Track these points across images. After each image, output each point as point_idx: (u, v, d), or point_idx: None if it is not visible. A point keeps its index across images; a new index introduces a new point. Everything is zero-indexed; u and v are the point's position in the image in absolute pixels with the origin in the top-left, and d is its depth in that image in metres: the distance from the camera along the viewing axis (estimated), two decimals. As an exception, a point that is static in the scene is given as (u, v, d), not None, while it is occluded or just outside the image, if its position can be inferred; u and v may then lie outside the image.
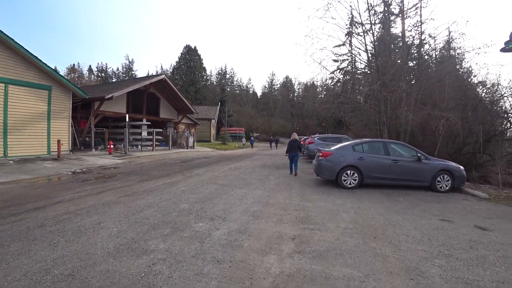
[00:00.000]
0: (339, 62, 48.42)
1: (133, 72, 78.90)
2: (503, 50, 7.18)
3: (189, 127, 31.44)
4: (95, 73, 77.27)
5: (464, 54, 15.43)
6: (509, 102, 15.24)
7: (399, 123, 16.04)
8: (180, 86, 63.32)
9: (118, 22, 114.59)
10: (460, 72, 17.97)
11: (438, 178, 7.87)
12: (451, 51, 19.48)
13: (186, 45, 68.85)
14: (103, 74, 75.04)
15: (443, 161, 8.40)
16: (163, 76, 23.22)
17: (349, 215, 5.22)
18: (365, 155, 7.85)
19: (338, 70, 48.08)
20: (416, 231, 4.51)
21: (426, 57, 19.20)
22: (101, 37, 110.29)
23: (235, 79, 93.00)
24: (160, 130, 24.21)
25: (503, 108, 15.56)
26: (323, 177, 8.36)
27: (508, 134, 15.92)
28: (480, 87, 17.67)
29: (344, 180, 7.76)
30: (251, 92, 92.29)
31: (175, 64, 68.88)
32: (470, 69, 16.49)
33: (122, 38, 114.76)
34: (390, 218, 5.16)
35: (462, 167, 8.28)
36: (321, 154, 8.21)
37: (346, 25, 18.84)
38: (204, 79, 72.00)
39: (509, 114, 15.57)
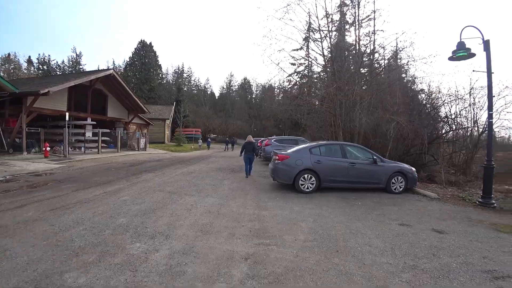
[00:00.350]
0: (296, 66, 49.58)
1: (80, 67, 71.94)
2: (450, 58, 7.39)
3: (141, 127, 29.42)
4: (35, 65, 68.57)
5: (409, 63, 16.21)
6: (449, 108, 16.45)
7: (353, 125, 16.48)
8: (134, 84, 59.58)
9: (64, 11, 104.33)
10: (405, 80, 19.01)
11: (393, 180, 7.90)
12: (398, 60, 20.65)
13: (141, 40, 64.89)
14: (45, 67, 66.76)
15: (396, 163, 8.51)
16: (111, 71, 21.28)
17: (307, 225, 4.78)
18: (323, 158, 7.58)
19: (295, 73, 49.23)
20: (378, 239, 4.20)
21: (376, 65, 20.04)
22: (44, 25, 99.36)
23: (192, 78, 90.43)
24: (108, 130, 22.14)
25: (444, 113, 16.75)
26: (279, 181, 7.95)
27: (447, 136, 17.15)
28: (422, 94, 18.93)
29: (302, 185, 7.39)
30: (209, 92, 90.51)
31: (128, 60, 64.39)
32: (414, 77, 17.46)
33: (69, 29, 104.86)
34: (351, 226, 4.84)
35: (414, 169, 8.45)
36: (277, 157, 7.77)
37: (305, 29, 18.97)
38: (159, 77, 68.37)
39: (448, 119, 16.82)
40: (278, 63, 17.74)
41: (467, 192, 9.04)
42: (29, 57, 70.77)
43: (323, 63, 19.63)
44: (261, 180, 9.68)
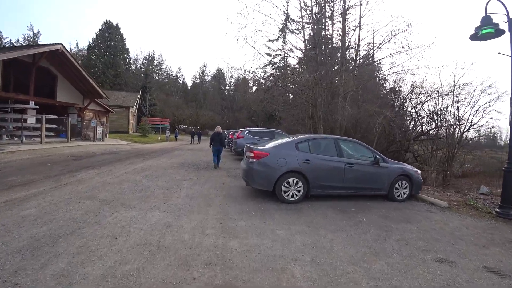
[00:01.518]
0: (272, 56, 47.76)
1: None
2: (473, 38, 5.82)
3: (99, 115, 26.02)
4: (-17, 42, 60.80)
5: (398, 54, 14.76)
6: (434, 103, 15.42)
7: (335, 118, 14.94)
8: (98, 69, 54.60)
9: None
10: (388, 74, 17.67)
11: (396, 185, 6.26)
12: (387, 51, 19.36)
13: (106, 20, 58.90)
14: (-5, 44, 59.30)
15: (400, 163, 6.90)
16: (59, 46, 17.78)
17: (304, 271, 2.88)
18: (313, 156, 5.68)
19: (271, 65, 47.34)
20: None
21: (361, 54, 18.59)
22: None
23: (163, 66, 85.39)
24: (55, 116, 18.86)
25: (428, 109, 15.69)
26: (255, 187, 5.93)
27: (431, 133, 16.19)
28: (405, 88, 17.87)
29: (285, 192, 5.49)
30: (181, 82, 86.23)
31: (91, 42, 58.36)
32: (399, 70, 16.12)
33: (27, 4, 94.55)
34: (371, 269, 3.02)
35: (419, 171, 6.88)
36: (252, 154, 5.69)
37: (281, 20, 17.12)
38: (126, 62, 63.20)
39: (434, 115, 15.79)
40: (254, 42, 15.76)
41: (469, 196, 7.77)
42: (-26, 34, 62.47)
43: (303, 50, 17.87)
44: (231, 182, 7.68)
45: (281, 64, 43.62)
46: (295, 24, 18.10)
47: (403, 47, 13.71)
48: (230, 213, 4.76)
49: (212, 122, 57.68)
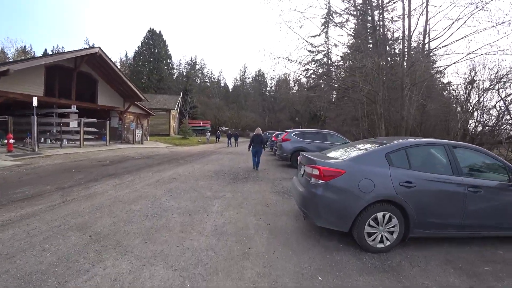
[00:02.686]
0: (314, 53, 44.92)
1: None
2: None
3: (139, 117, 25.87)
4: (50, 58, 66.68)
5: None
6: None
7: (400, 115, 12.19)
8: (143, 74, 56.61)
9: (76, 2, 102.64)
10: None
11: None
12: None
13: (150, 28, 61.16)
14: (58, 59, 64.53)
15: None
16: (96, 49, 17.56)
17: None
18: (416, 175, 3.45)
19: (313, 62, 44.53)
20: None
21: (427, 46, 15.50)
22: (57, 16, 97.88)
23: (205, 70, 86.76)
24: (94, 120, 18.69)
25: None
26: (320, 224, 3.63)
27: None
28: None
29: (370, 234, 3.38)
30: (222, 85, 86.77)
31: (136, 50, 60.90)
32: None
33: (82, 20, 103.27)
34: None
35: None
36: (317, 172, 3.53)
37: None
38: (169, 67, 64.88)
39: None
40: (301, 26, 13.85)
41: None
42: (45, 49, 69.07)
43: (364, 32, 15.11)
44: (277, 203, 5.67)
45: (324, 61, 40.84)
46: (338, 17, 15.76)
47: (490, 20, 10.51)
48: (281, 274, 2.79)
49: (253, 123, 56.43)
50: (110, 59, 18.43)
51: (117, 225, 3.99)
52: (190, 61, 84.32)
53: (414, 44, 14.87)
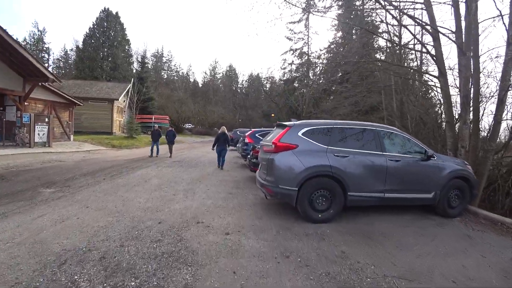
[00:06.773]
0: (293, 41, 39.92)
1: (45, 45, 60.79)
2: None
3: (54, 108, 18.98)
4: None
5: None
6: None
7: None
8: (97, 61, 48.61)
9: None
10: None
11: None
12: None
13: (105, 8, 52.56)
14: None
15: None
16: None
17: None
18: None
19: (291, 51, 39.60)
20: None
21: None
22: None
23: (172, 63, 79.55)
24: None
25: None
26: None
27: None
28: None
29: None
30: (192, 80, 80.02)
31: (88, 32, 52.09)
32: None
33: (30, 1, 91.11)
34: None
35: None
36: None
37: None
38: (127, 55, 56.65)
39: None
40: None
41: None
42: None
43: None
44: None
45: (304, 50, 35.57)
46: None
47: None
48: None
49: (222, 120, 50.70)
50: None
51: None
52: (156, 53, 76.77)
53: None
